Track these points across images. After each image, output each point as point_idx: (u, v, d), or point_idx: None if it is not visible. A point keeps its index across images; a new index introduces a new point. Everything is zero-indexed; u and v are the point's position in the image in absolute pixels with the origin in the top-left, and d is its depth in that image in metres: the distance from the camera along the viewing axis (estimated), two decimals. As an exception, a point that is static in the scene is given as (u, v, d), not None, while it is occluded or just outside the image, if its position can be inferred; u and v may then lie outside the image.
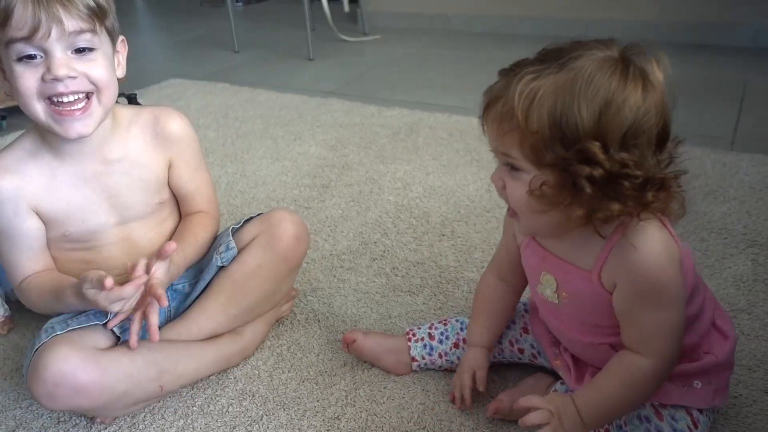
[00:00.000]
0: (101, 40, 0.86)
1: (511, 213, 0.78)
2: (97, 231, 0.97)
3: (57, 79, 0.83)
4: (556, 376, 0.93)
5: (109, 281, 0.80)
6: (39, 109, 0.85)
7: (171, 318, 1.04)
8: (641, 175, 0.66)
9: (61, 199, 0.93)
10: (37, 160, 0.92)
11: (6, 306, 1.19)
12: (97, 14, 0.85)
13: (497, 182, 0.75)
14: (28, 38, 0.81)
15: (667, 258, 0.71)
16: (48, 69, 0.82)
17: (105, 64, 0.87)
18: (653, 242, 0.71)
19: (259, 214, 1.07)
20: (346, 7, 3.15)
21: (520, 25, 2.91)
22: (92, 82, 0.86)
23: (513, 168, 0.72)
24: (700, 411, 0.81)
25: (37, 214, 0.93)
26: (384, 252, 1.34)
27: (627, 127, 0.65)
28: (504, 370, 1.00)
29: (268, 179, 1.70)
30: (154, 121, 0.99)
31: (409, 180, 1.63)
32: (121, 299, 0.83)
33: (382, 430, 0.92)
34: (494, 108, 0.71)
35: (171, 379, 0.96)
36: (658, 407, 0.80)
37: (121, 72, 0.93)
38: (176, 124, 1.00)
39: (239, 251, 1.03)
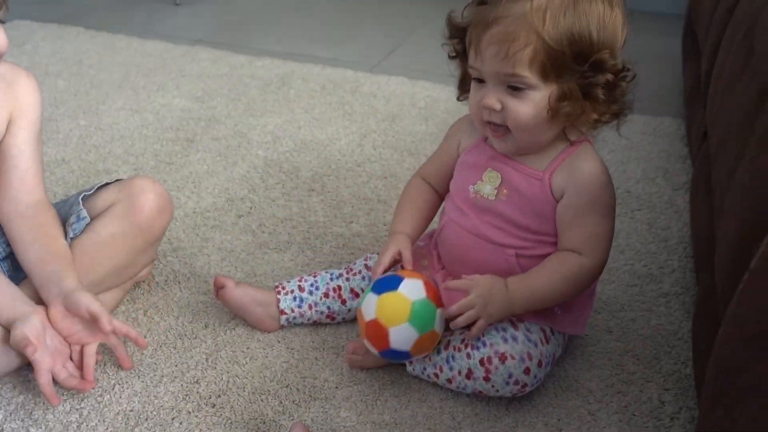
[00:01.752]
0: None
1: (501, 133, 0.81)
2: None
3: None
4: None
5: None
6: None
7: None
8: (633, 76, 0.79)
9: None
10: None
11: None
12: None
13: (495, 105, 0.78)
14: None
15: (608, 175, 0.84)
16: None
17: None
18: (599, 161, 0.84)
19: (116, 180, 1.00)
20: (216, -51, 2.95)
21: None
22: None
23: (516, 89, 0.77)
24: (552, 332, 0.88)
25: None
26: (251, 208, 1.30)
27: (617, 38, 0.78)
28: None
29: (127, 133, 1.58)
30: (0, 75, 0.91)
31: (279, 134, 1.58)
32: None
33: (244, 390, 0.90)
34: (494, 30, 0.75)
35: None
36: (515, 321, 0.86)
37: None
38: (25, 85, 0.94)
39: (92, 219, 0.96)
